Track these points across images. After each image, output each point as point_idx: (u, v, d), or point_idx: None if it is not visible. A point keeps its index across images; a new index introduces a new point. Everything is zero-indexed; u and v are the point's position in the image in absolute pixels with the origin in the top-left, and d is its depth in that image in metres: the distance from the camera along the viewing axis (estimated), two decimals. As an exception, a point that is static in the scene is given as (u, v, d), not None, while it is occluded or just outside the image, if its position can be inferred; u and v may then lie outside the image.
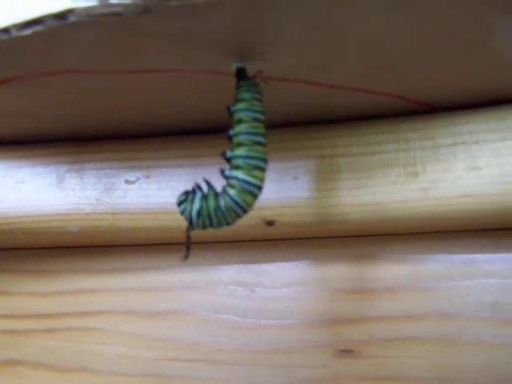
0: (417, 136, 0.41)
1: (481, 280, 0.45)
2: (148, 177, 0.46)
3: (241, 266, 0.50)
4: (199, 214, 0.33)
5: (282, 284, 0.49)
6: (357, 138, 0.42)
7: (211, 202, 0.32)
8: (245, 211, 0.33)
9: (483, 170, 0.39)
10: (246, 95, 0.33)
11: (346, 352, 0.47)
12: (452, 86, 0.38)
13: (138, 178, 0.46)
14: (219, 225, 0.33)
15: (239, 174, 0.32)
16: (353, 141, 0.42)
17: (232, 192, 0.32)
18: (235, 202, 0.32)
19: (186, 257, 0.35)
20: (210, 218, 0.33)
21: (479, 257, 0.45)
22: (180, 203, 0.34)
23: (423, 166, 0.40)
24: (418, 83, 0.38)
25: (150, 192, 0.46)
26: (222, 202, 0.32)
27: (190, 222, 0.33)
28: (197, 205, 0.33)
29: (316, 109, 0.41)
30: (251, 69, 0.33)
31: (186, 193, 0.34)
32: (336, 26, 0.29)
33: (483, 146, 0.39)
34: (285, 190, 0.43)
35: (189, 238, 0.34)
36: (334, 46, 0.32)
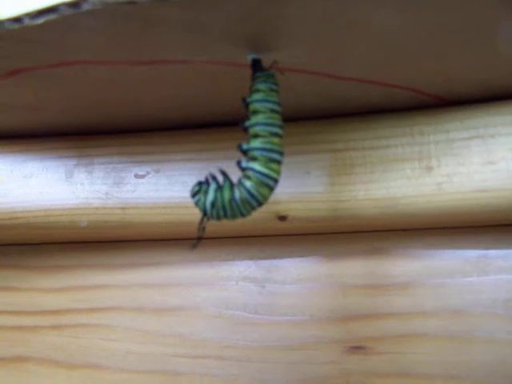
0: (431, 129, 0.40)
1: (494, 276, 0.44)
2: (158, 171, 0.45)
3: (251, 261, 0.50)
4: (213, 205, 0.32)
5: (292, 280, 0.48)
6: (370, 132, 0.41)
7: (226, 194, 0.32)
8: (260, 204, 0.32)
9: (499, 164, 0.38)
10: (262, 86, 0.32)
11: (358, 348, 0.46)
12: (466, 79, 0.38)
13: (148, 173, 0.46)
14: (233, 216, 0.33)
15: (256, 165, 0.32)
16: (366, 134, 0.41)
17: (248, 184, 0.32)
18: (251, 194, 0.32)
19: (195, 246, 0.34)
20: (224, 210, 0.32)
21: (493, 252, 0.45)
22: (194, 194, 0.33)
23: (438, 160, 0.40)
24: (432, 76, 0.37)
25: (159, 186, 0.45)
26: (237, 194, 0.32)
27: (205, 213, 0.33)
28: (211, 196, 0.32)
29: (329, 102, 0.41)
30: (266, 60, 0.33)
31: (200, 183, 0.33)
32: (350, 18, 0.29)
33: (499, 140, 0.39)
34: (297, 185, 0.42)
35: (203, 229, 0.34)
36: (348, 38, 0.31)
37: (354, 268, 0.47)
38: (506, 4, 0.27)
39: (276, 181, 0.32)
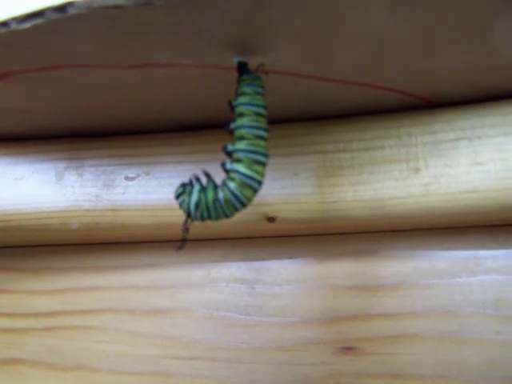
0: (419, 131, 0.40)
1: (483, 277, 0.44)
2: (148, 173, 0.46)
3: (241, 263, 0.50)
4: (197, 206, 0.32)
5: (283, 281, 0.48)
6: (358, 134, 0.41)
7: (210, 195, 0.32)
8: (243, 205, 0.32)
9: (486, 165, 0.39)
10: (248, 89, 0.32)
11: (348, 349, 0.46)
12: (453, 81, 0.38)
13: (138, 175, 0.46)
14: (217, 217, 0.33)
15: (240, 167, 0.32)
16: (354, 136, 0.41)
17: (232, 185, 0.32)
18: (234, 195, 0.32)
19: (181, 248, 0.34)
20: (208, 211, 0.32)
21: (482, 253, 0.45)
22: (178, 196, 0.34)
23: (425, 162, 0.40)
24: (419, 78, 0.38)
25: (149, 188, 0.45)
26: (221, 195, 0.32)
27: (189, 214, 0.33)
28: (195, 197, 0.32)
29: (317, 104, 0.41)
30: (252, 63, 0.33)
31: (184, 185, 0.34)
32: (337, 20, 0.29)
33: (486, 141, 0.39)
34: (286, 186, 0.42)
35: (187, 230, 0.34)
36: (335, 40, 0.31)
37: (343, 269, 0.47)
38: (503, 3, 0.28)
39: (260, 183, 0.32)
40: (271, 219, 0.43)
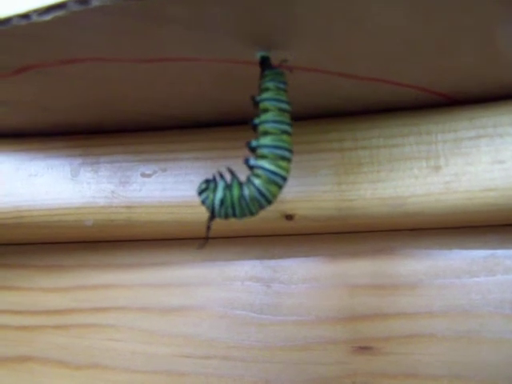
0: (439, 128, 0.40)
1: (502, 276, 0.44)
2: (164, 170, 0.45)
3: (257, 261, 0.49)
4: (222, 203, 0.32)
5: (299, 280, 0.48)
6: (378, 131, 0.41)
7: (235, 191, 0.32)
8: (269, 202, 0.32)
9: (507, 163, 0.38)
10: (271, 84, 0.32)
11: (364, 349, 0.46)
12: (473, 78, 0.38)
13: (155, 171, 0.45)
14: (242, 215, 0.32)
15: (265, 163, 0.31)
16: (374, 133, 0.41)
17: (257, 182, 0.31)
18: (260, 192, 0.31)
19: (202, 246, 0.34)
20: (233, 208, 0.32)
21: (500, 252, 0.44)
22: (201, 192, 0.33)
23: (446, 159, 0.39)
24: (440, 75, 0.37)
25: (166, 185, 0.45)
26: (246, 192, 0.31)
27: (212, 211, 0.32)
28: (220, 194, 0.32)
29: (337, 100, 0.41)
30: (275, 58, 0.32)
31: (207, 181, 0.33)
32: (360, 16, 0.29)
33: (507, 139, 0.39)
34: (304, 184, 0.42)
35: (209, 228, 0.33)
36: (358, 36, 0.31)
37: (360, 268, 0.47)
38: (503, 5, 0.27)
39: (285, 179, 0.32)
40: (289, 217, 0.43)
